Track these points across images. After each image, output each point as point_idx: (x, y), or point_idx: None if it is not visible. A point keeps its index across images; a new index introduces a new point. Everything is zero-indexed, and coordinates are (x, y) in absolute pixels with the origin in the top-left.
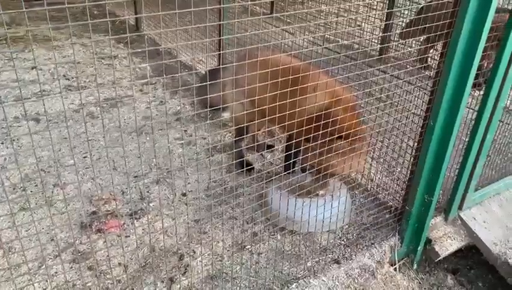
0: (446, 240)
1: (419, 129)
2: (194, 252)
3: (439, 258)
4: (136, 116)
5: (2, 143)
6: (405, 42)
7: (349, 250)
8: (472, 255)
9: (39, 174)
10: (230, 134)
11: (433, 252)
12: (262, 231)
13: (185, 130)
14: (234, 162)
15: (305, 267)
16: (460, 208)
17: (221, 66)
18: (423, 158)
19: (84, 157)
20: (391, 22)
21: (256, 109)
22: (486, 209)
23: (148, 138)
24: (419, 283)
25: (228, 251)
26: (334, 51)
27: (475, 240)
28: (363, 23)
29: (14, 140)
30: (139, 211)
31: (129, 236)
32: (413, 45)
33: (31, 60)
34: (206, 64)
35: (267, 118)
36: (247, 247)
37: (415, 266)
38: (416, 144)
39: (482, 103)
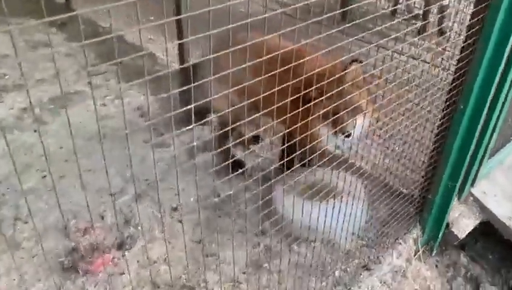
0: (462, 221)
1: (442, 113)
2: (206, 282)
3: (458, 241)
4: (92, 117)
5: None
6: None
7: (374, 251)
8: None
9: None
10: (213, 128)
11: (452, 235)
12: (276, 244)
13: (154, 128)
14: (223, 164)
15: (334, 279)
16: (472, 184)
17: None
18: (450, 145)
19: (44, 177)
20: None
21: (245, 103)
22: (493, 181)
23: (113, 144)
24: (436, 266)
25: (244, 273)
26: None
27: (489, 217)
28: None
29: None
30: (127, 239)
31: (124, 273)
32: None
33: None
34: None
35: (261, 113)
36: (264, 265)
37: (434, 252)
38: (438, 129)
39: (501, 78)
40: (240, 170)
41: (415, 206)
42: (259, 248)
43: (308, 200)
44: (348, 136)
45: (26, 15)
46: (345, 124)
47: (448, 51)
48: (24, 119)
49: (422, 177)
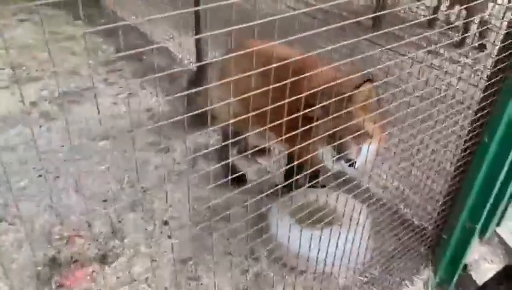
0: (483, 264)
1: (464, 145)
2: None
3: (477, 287)
4: (101, 116)
5: None
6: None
7: None
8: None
9: None
10: (218, 136)
11: (470, 280)
12: (266, 270)
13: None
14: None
15: None
16: (498, 224)
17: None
18: (470, 182)
19: (39, 176)
20: None
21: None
22: None
23: (115, 144)
24: None
25: None
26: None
27: None
28: None
29: None
30: (110, 253)
31: None
32: None
33: None
34: (182, 45)
35: (267, 126)
36: None
37: None
38: (457, 162)
39: None
40: (235, 175)
41: (427, 243)
42: (248, 275)
43: (299, 225)
44: (352, 165)
45: (54, 6)
46: (349, 151)
47: (478, 75)
48: (31, 113)
49: (438, 213)
